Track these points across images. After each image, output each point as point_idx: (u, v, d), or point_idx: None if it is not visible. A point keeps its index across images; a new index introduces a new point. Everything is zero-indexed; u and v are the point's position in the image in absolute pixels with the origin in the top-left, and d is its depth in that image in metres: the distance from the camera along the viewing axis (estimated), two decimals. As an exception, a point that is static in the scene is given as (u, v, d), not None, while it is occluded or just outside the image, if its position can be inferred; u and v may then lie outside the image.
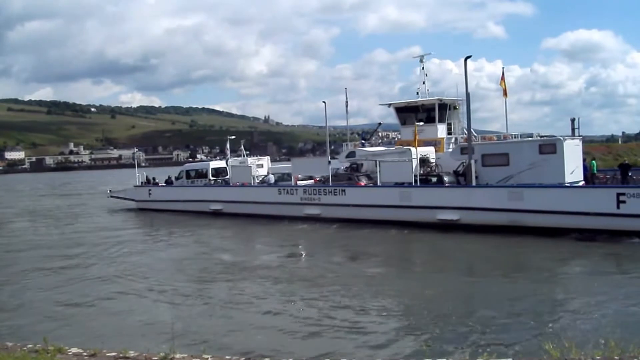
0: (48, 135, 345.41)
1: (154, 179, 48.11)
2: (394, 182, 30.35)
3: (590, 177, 27.10)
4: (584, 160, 27.71)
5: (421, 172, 30.37)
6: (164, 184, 46.39)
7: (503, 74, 33.41)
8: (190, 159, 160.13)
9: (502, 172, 27.63)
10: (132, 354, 9.22)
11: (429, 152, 32.09)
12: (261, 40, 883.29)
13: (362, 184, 32.68)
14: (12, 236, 33.90)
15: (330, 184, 33.34)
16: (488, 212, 26.31)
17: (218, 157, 63.15)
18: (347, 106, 39.57)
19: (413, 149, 30.80)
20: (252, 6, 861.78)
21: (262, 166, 43.11)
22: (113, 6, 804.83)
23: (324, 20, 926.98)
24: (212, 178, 43.59)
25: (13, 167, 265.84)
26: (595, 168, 27.15)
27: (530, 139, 29.25)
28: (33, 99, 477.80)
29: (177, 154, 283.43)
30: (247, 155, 46.70)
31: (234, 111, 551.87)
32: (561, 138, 26.80)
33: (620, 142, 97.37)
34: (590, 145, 79.45)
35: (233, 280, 18.99)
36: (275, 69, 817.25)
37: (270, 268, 20.91)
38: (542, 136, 30.03)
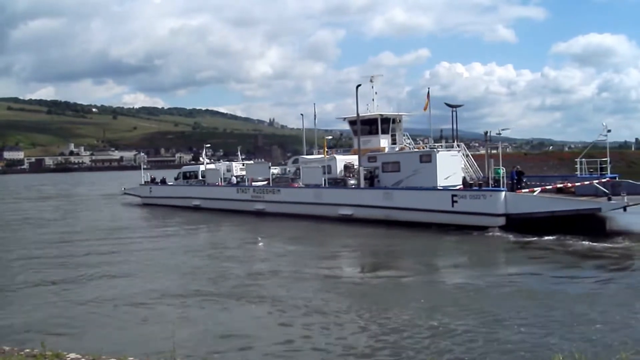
0: (48, 135, 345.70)
1: (153, 179, 55.09)
2: (313, 184, 36.62)
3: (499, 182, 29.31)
4: (514, 167, 30.67)
5: (344, 175, 36.64)
6: (158, 183, 53.98)
7: (429, 93, 37.44)
8: (193, 162, 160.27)
9: (395, 177, 33.24)
10: (132, 360, 9.00)
11: (353, 159, 36.95)
12: (266, 42, 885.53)
13: (296, 185, 38.67)
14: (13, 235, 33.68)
15: (271, 185, 40.43)
16: (371, 209, 32.47)
17: (199, 159, 68.84)
18: (315, 118, 45.97)
19: (338, 157, 38.22)
20: (257, 7, 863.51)
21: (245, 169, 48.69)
22: (118, 6, 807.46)
23: (331, 23, 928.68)
24: (201, 179, 49.47)
25: (12, 167, 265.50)
26: (499, 175, 29.39)
27: (414, 150, 34.64)
28: (34, 98, 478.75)
29: (180, 156, 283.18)
30: (242, 159, 53.86)
31: (238, 113, 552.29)
32: (435, 150, 32.19)
33: (633, 148, 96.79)
34: (602, 152, 79.43)
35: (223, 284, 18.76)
36: (280, 71, 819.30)
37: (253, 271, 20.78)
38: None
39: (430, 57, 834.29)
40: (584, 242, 23.36)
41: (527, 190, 28.19)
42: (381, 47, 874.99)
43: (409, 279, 18.93)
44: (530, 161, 73.13)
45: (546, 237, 24.36)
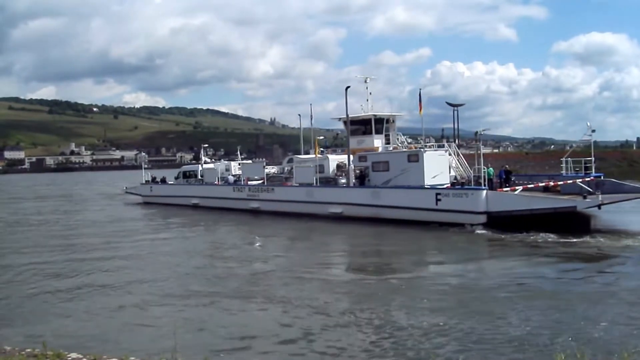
0: (49, 135, 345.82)
1: (154, 178, 56.30)
2: (306, 183, 37.56)
3: (490, 181, 30.29)
4: (503, 167, 32.10)
5: (336, 175, 37.22)
6: (158, 182, 55.22)
7: (420, 95, 36.83)
8: (194, 161, 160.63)
9: (385, 176, 33.84)
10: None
11: (345, 159, 37.19)
12: (268, 41, 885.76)
13: (289, 184, 39.75)
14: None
15: (265, 184, 41.48)
16: (359, 207, 33.23)
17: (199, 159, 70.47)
18: (311, 118, 45.39)
19: (331, 157, 38.84)
20: (259, 7, 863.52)
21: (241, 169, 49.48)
22: (118, 5, 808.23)
23: (332, 22, 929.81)
24: (200, 178, 50.46)
25: (12, 167, 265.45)
26: (491, 174, 30.61)
27: (402, 150, 35.24)
28: (35, 97, 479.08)
29: (181, 156, 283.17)
30: (242, 159, 55.26)
31: (240, 113, 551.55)
32: (422, 150, 32.90)
33: (634, 147, 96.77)
34: (604, 151, 79.03)
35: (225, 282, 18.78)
36: (281, 71, 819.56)
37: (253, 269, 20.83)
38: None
39: (431, 56, 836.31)
40: (577, 240, 23.69)
41: (508, 188, 28.78)
42: (382, 46, 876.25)
43: (408, 278, 18.95)
44: (531, 160, 73.35)
45: (540, 235, 24.81)
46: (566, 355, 8.01)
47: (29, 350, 9.60)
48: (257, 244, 27.91)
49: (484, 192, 27.83)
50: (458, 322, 13.16)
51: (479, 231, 26.90)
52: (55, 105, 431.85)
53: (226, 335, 13.18)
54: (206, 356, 10.04)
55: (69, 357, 9.08)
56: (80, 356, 9.15)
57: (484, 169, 28.86)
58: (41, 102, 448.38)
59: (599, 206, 24.80)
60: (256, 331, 13.35)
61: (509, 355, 11.17)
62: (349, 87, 36.64)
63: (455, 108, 36.34)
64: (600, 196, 24.73)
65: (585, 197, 25.60)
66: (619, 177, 36.61)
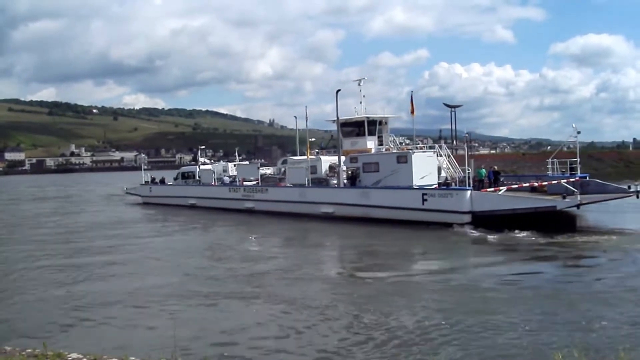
0: (49, 136, 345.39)
1: (153, 179, 57.27)
2: (299, 184, 38.37)
3: (482, 182, 31.22)
4: (491, 167, 33.08)
5: (327, 175, 38.24)
6: (157, 183, 56.18)
7: (412, 97, 37.52)
8: (193, 162, 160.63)
9: (375, 177, 34.32)
10: (133, 360, 9.08)
11: (336, 160, 37.73)
12: (267, 43, 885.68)
13: (282, 185, 40.54)
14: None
15: (260, 184, 42.34)
16: (350, 207, 34.02)
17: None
18: (306, 120, 44.65)
19: (323, 158, 39.70)
20: (258, 8, 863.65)
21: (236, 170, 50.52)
22: (118, 6, 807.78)
23: (331, 23, 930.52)
24: (197, 179, 51.53)
25: (13, 168, 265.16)
26: (482, 175, 31.51)
27: (393, 152, 35.68)
28: (35, 99, 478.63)
29: (180, 157, 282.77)
30: (240, 160, 56.85)
31: (239, 114, 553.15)
32: (411, 151, 33.46)
33: (631, 148, 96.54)
34: (602, 152, 78.77)
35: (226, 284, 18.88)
36: (280, 72, 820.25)
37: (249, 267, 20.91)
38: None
39: (429, 57, 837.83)
40: (574, 240, 24.03)
41: (492, 189, 29.38)
42: (381, 47, 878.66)
43: (406, 278, 19.11)
44: (528, 161, 73.36)
45: (537, 235, 25.15)
46: (564, 355, 8.08)
47: (29, 350, 9.64)
48: (254, 244, 28.06)
49: (469, 192, 28.44)
50: (457, 322, 13.26)
51: (475, 233, 27.03)
52: (55, 107, 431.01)
53: (226, 335, 13.26)
54: (206, 356, 10.14)
55: (69, 357, 9.13)
56: (80, 356, 9.20)
57: (468, 170, 29.30)
58: (41, 103, 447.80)
59: (577, 206, 25.44)
60: (256, 331, 13.46)
61: (508, 354, 11.27)
62: (339, 90, 37.34)
63: (453, 109, 36.56)
64: (579, 196, 25.56)
65: (564, 197, 26.14)
66: (616, 177, 36.79)
